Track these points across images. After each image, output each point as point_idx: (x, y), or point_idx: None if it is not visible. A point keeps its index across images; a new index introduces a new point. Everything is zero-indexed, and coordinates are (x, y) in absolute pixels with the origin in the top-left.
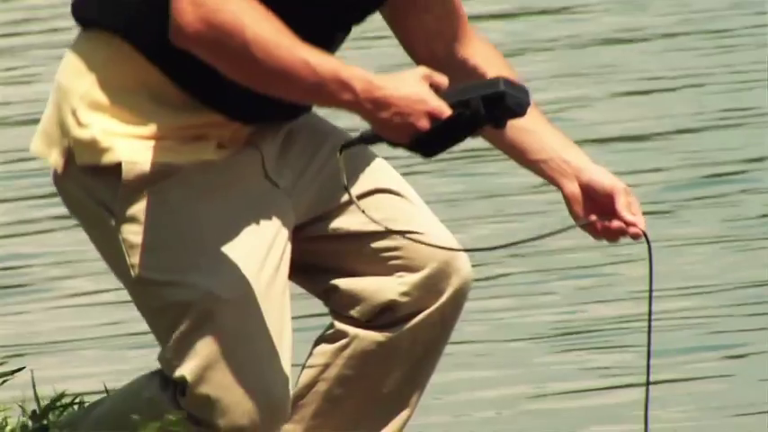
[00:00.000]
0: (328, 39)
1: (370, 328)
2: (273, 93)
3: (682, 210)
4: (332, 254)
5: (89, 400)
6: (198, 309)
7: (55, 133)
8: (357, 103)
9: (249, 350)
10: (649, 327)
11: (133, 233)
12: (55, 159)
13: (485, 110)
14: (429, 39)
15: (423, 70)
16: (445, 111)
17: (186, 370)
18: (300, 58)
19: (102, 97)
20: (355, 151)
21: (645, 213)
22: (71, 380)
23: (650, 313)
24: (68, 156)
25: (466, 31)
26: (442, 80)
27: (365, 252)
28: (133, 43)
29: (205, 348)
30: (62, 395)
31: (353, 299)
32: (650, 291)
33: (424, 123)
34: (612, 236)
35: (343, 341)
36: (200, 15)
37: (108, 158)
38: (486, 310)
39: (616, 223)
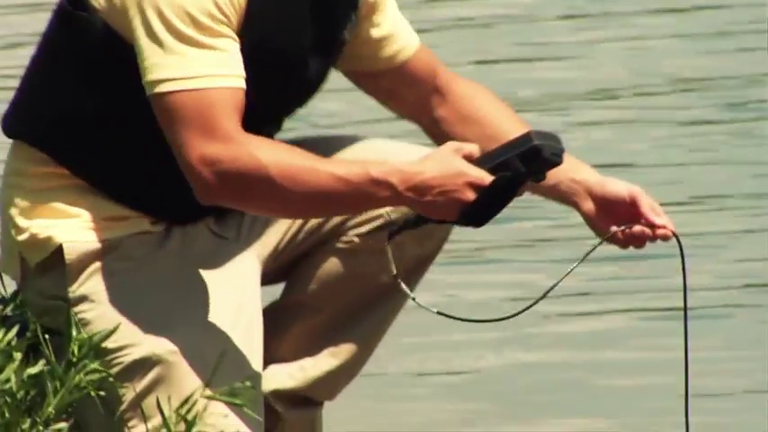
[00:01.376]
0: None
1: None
2: (315, 216)
3: None
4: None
5: None
6: (155, 364)
7: (7, 247)
8: (398, 196)
9: (212, 400)
10: (686, 327)
11: (85, 311)
12: (14, 273)
13: (524, 167)
14: (416, 110)
15: (452, 145)
16: (486, 178)
17: (145, 428)
18: (329, 174)
19: (33, 202)
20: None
21: None
22: None
23: (686, 312)
24: (23, 265)
25: (447, 84)
26: (473, 149)
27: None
28: (49, 154)
29: (166, 404)
30: None
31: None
32: (684, 289)
33: (469, 195)
34: (640, 242)
35: (341, 245)
36: (218, 171)
37: (50, 246)
38: None
39: (639, 228)
